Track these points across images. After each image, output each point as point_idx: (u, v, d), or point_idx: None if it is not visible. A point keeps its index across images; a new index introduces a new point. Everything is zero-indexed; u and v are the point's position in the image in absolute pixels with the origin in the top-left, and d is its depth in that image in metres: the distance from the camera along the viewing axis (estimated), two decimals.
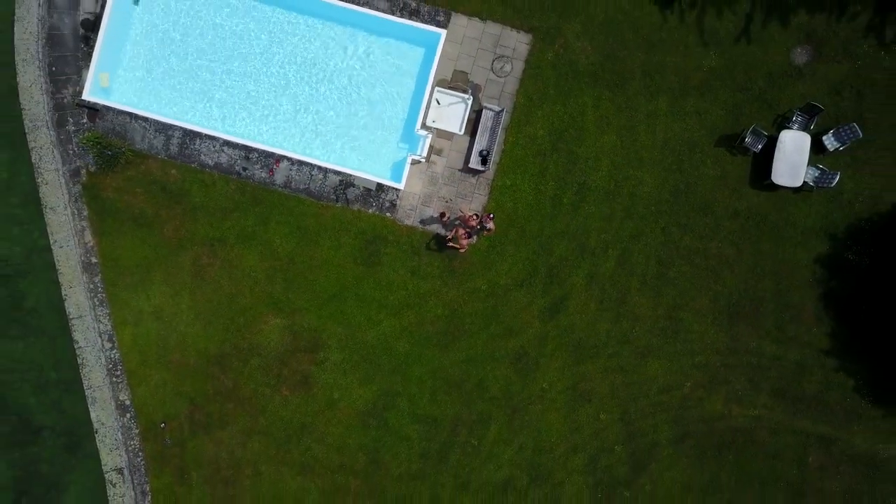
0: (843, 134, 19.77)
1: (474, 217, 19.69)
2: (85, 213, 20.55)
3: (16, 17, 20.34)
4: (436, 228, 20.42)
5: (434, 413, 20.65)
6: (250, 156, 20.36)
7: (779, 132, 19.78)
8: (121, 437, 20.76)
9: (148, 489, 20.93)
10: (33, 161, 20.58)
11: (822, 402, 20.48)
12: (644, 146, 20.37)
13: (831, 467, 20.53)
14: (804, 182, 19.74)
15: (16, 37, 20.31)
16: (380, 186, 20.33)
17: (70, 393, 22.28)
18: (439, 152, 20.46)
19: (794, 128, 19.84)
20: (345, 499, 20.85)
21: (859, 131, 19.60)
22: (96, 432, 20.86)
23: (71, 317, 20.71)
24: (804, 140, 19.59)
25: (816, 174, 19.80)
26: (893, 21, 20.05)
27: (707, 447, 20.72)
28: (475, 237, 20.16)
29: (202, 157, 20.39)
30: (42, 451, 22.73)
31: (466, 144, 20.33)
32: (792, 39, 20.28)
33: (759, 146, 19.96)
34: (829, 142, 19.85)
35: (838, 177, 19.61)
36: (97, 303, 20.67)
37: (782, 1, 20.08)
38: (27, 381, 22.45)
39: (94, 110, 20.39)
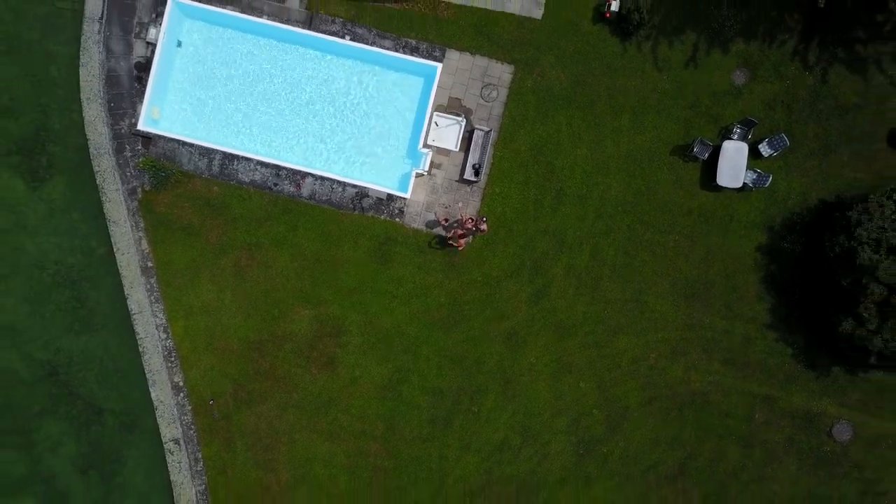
0: (775, 142, 23.71)
1: (470, 220, 23.56)
2: (142, 224, 24.40)
3: (80, 63, 24.18)
4: (438, 230, 24.29)
5: (440, 385, 24.53)
6: (280, 173, 24.23)
7: (722, 142, 23.70)
8: (176, 412, 24.58)
9: (200, 456, 24.77)
10: (98, 182, 24.40)
11: (765, 367, 24.39)
12: (611, 157, 24.27)
13: (774, 422, 24.44)
14: (744, 183, 23.66)
15: (81, 79, 24.16)
16: (390, 196, 24.21)
17: (127, 379, 26.05)
18: (439, 166, 24.34)
19: (735, 138, 23.75)
20: (366, 460, 24.70)
21: (787, 140, 23.56)
22: (156, 409, 24.67)
23: (132, 312, 24.53)
24: (743, 148, 23.52)
25: (754, 177, 23.73)
26: (815, 46, 23.98)
27: (671, 408, 24.60)
28: (471, 237, 24.02)
29: (239, 175, 24.26)
30: (104, 430, 26.51)
31: (461, 159, 24.21)
32: (732, 64, 24.20)
33: (706, 154, 23.88)
34: (764, 149, 23.78)
35: (771, 178, 23.56)
36: (153, 300, 24.50)
37: (723, 32, 23.97)
38: (90, 371, 26.20)
39: (147, 138, 24.25)
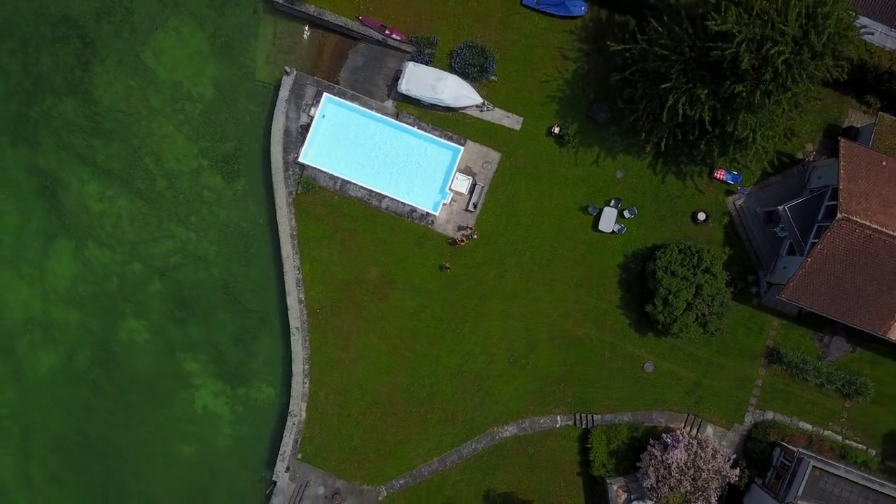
0: (632, 211, 45.34)
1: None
2: (293, 211, 45.45)
3: (274, 120, 45.28)
4: (451, 235, 45.49)
5: (441, 315, 45.83)
6: (372, 193, 45.36)
7: (604, 207, 45.23)
8: (298, 313, 45.59)
9: (308, 338, 45.83)
10: (273, 185, 45.44)
11: (613, 328, 45.80)
12: (545, 208, 45.66)
13: (614, 358, 45.81)
14: (613, 230, 45.23)
15: (272, 129, 45.24)
16: (427, 213, 45.41)
17: (269, 294, 47.03)
18: (455, 201, 45.62)
19: (611, 205, 45.30)
20: (397, 350, 45.89)
21: (636, 211, 45.24)
22: (289, 310, 45.70)
23: (283, 257, 45.54)
24: (613, 211, 45.10)
25: (619, 227, 45.34)
26: (661, 164, 45.54)
27: (561, 344, 45.93)
28: (468, 240, 45.28)
29: (350, 192, 45.39)
30: (250, 321, 47.47)
31: (467, 198, 45.46)
32: (616, 165, 45.68)
33: (596, 212, 45.44)
34: (626, 213, 45.39)
35: (626, 229, 45.25)
36: (294, 251, 45.53)
37: (613, 149, 45.44)
38: (248, 287, 47.20)
39: (302, 166, 45.32)
